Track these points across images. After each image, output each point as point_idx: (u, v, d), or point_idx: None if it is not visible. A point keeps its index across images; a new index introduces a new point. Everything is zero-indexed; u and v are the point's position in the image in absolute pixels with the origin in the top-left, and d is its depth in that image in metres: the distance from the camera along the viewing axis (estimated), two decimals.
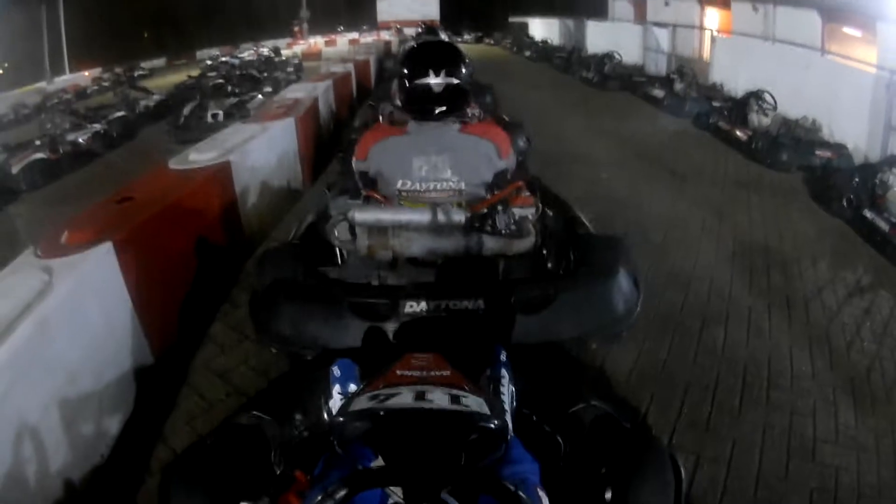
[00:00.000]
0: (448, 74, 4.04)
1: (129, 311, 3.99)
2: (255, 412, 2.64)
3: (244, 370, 4.36)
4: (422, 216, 3.88)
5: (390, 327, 3.45)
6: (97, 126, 13.45)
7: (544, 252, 4.18)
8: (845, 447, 3.64)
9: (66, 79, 30.41)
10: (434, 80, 4.04)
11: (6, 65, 31.20)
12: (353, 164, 4.20)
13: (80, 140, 12.64)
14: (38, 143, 11.63)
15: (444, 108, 3.97)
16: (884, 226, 6.93)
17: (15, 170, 10.59)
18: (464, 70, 4.13)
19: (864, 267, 6.24)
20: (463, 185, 3.92)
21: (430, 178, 3.91)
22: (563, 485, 2.18)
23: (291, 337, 3.57)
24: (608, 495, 2.22)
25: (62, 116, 13.53)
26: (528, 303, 3.53)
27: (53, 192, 10.51)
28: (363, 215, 3.92)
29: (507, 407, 2.34)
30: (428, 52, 4.34)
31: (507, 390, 2.43)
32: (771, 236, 6.89)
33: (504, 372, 2.50)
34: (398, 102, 5.93)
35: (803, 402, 3.99)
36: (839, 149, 9.97)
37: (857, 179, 7.92)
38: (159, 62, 37.94)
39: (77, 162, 12.09)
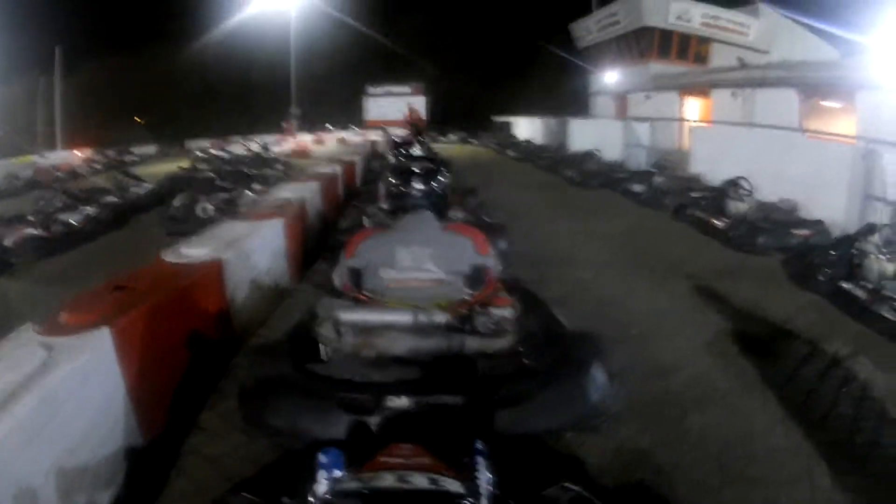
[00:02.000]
0: (428, 181, 4.48)
1: (122, 394, 4.09)
2: (244, 493, 2.69)
3: (233, 457, 4.39)
4: (405, 317, 4.08)
5: (374, 421, 3.55)
6: (90, 209, 13.75)
7: (522, 350, 4.30)
8: None
9: (58, 156, 30.94)
10: (416, 188, 4.45)
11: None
12: (342, 263, 4.44)
13: (73, 221, 12.90)
14: (31, 218, 11.97)
15: (425, 208, 4.32)
16: (861, 294, 7.10)
17: (8, 242, 10.86)
18: (441, 179, 4.58)
19: (843, 338, 6.32)
20: (443, 276, 4.16)
21: (414, 269, 4.17)
22: None
23: (281, 428, 3.66)
24: None
25: (55, 195, 13.87)
26: (506, 398, 3.66)
27: (46, 270, 10.64)
28: (349, 315, 4.13)
29: (483, 491, 2.44)
30: (411, 165, 4.74)
31: (484, 477, 2.53)
32: (749, 321, 6.97)
33: (481, 460, 2.60)
34: (384, 206, 6.31)
35: (780, 474, 4.08)
36: (817, 225, 10.24)
37: (833, 253, 8.09)
38: (150, 149, 38.35)
39: (69, 242, 12.29)
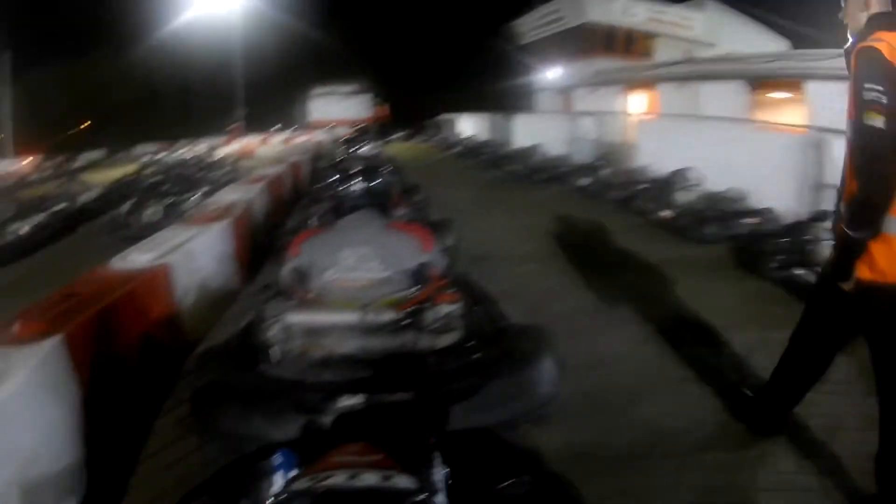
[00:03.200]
0: (371, 180, 4.50)
1: (77, 403, 4.05)
2: (203, 497, 2.73)
3: (189, 462, 4.36)
4: (351, 317, 4.11)
5: (326, 420, 3.54)
6: (40, 217, 13.60)
7: (470, 344, 4.32)
8: (785, 492, 3.76)
9: (8, 163, 30.60)
10: (358, 187, 4.47)
11: None
12: (287, 262, 4.43)
13: (22, 231, 12.78)
14: None
15: (368, 206, 4.34)
16: (814, 279, 7.16)
17: None
18: (384, 177, 4.62)
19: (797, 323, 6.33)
20: (388, 274, 4.21)
21: (358, 268, 4.21)
22: None
23: (234, 432, 3.70)
24: None
25: (5, 204, 13.82)
26: (456, 393, 3.72)
27: None
28: (296, 317, 4.14)
29: (436, 487, 2.43)
30: (353, 165, 4.80)
31: (438, 472, 2.51)
32: (697, 310, 6.93)
33: (434, 455, 2.59)
34: (329, 205, 6.30)
35: (740, 457, 4.10)
36: (766, 213, 10.21)
37: (784, 240, 8.11)
38: (98, 154, 37.63)
39: (19, 251, 12.17)
